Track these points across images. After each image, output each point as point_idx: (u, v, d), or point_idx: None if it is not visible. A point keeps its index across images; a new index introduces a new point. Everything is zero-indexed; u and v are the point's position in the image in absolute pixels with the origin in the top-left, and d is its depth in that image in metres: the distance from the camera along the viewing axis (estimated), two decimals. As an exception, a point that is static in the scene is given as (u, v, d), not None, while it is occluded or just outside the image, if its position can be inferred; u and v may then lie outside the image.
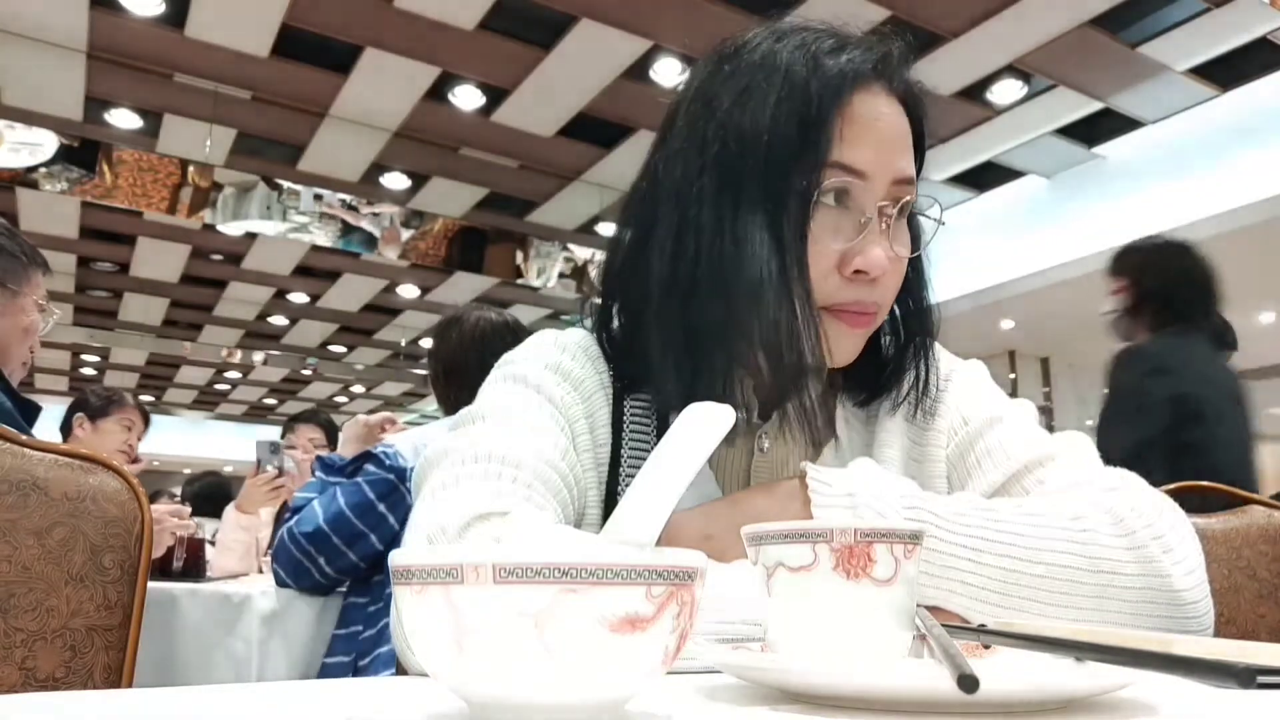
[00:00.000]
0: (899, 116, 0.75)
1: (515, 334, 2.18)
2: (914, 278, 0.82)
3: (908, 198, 0.75)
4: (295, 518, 1.86)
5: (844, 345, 0.75)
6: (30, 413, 1.64)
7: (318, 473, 1.96)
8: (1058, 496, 0.72)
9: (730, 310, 0.71)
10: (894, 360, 0.83)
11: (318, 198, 6.10)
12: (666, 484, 0.50)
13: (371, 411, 2.72)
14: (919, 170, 0.79)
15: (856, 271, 0.72)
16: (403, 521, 1.82)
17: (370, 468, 1.85)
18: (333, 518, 1.80)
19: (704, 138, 0.73)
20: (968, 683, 0.34)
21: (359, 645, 1.80)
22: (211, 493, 4.71)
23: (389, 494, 1.82)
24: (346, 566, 1.82)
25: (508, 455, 0.69)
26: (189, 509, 2.42)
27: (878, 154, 0.72)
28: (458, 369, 2.08)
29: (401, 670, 0.75)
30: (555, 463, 0.71)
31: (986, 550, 0.65)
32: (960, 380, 0.85)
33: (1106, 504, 0.68)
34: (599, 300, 0.84)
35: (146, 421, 2.87)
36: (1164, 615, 0.64)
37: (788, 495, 0.71)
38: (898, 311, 0.83)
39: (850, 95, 0.72)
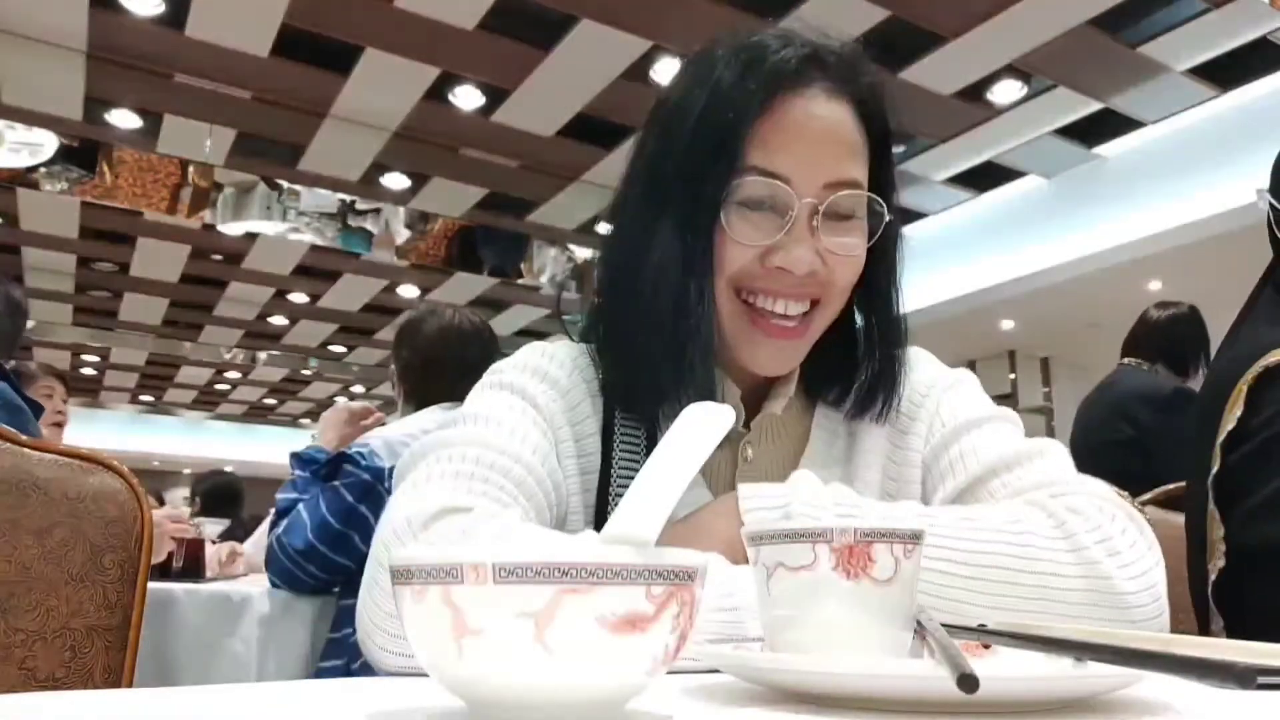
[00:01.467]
0: (839, 118, 0.75)
1: (491, 336, 2.18)
2: (884, 286, 0.83)
3: (839, 197, 0.75)
4: (283, 525, 1.86)
5: (765, 355, 0.78)
6: (37, 413, 1.66)
7: (295, 470, 1.95)
8: (1006, 502, 0.73)
9: (651, 311, 0.75)
10: (865, 367, 0.84)
11: (317, 195, 6.09)
12: (666, 484, 0.50)
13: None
14: (884, 168, 0.80)
15: (779, 268, 0.74)
16: None
17: (348, 468, 1.84)
18: (318, 527, 1.80)
19: (645, 149, 0.79)
20: (968, 683, 0.34)
21: (351, 649, 1.79)
22: (221, 492, 4.69)
23: (367, 495, 1.82)
24: (336, 568, 1.83)
25: (483, 456, 0.70)
26: (187, 511, 2.42)
27: (805, 157, 0.73)
28: (435, 361, 2.06)
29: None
30: (533, 466, 0.72)
31: (924, 556, 0.65)
32: (944, 387, 0.86)
33: (1050, 507, 0.68)
34: (591, 311, 0.87)
35: (65, 382, 2.97)
36: (1109, 618, 0.64)
37: (729, 511, 0.71)
38: (872, 319, 0.84)
39: (776, 98, 0.73)
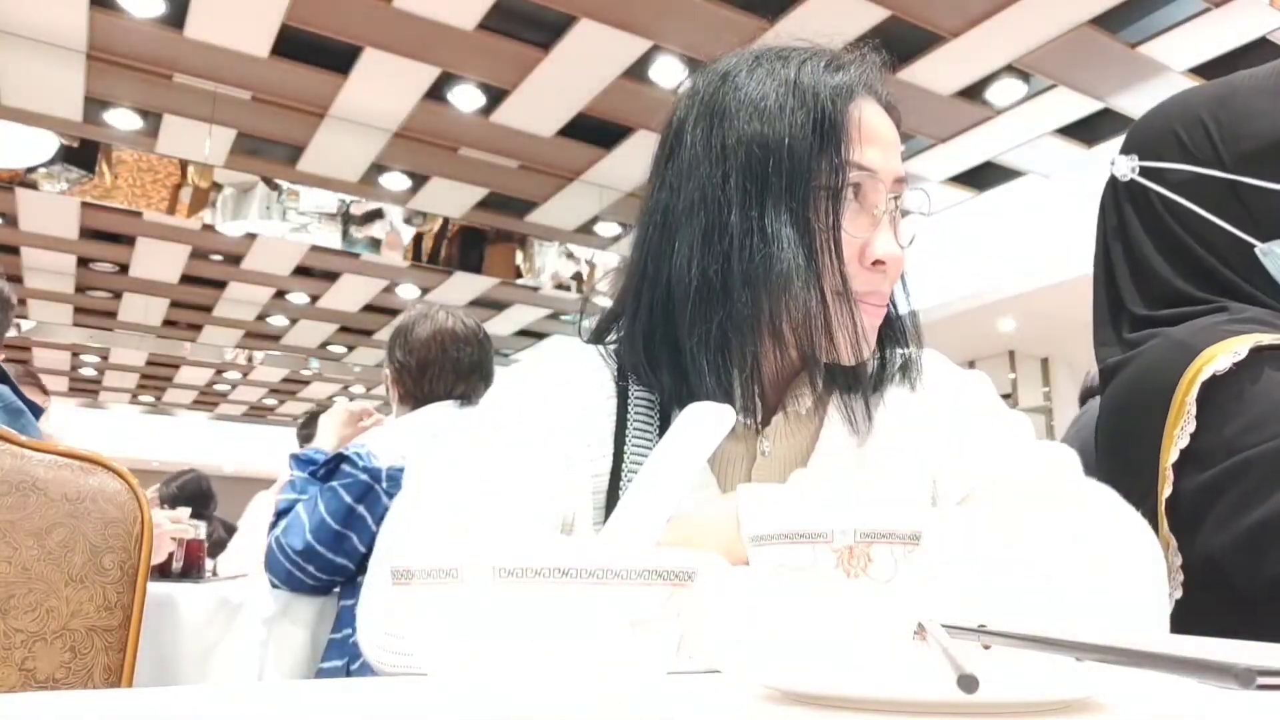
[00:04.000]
0: (893, 124, 0.81)
1: (485, 338, 2.17)
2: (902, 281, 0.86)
3: (905, 192, 0.80)
4: (282, 525, 1.86)
5: (867, 341, 0.79)
6: (35, 413, 1.67)
7: (294, 470, 1.95)
8: (1014, 509, 0.74)
9: (764, 304, 0.75)
10: (881, 364, 0.86)
11: (317, 195, 6.09)
12: (666, 484, 0.50)
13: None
14: None
15: (875, 262, 0.77)
16: (380, 521, 1.81)
17: (345, 469, 1.84)
18: (316, 527, 1.80)
19: (722, 147, 0.78)
20: (968, 683, 0.34)
21: (351, 650, 1.79)
22: (190, 491, 4.58)
23: (365, 495, 1.82)
24: (335, 568, 1.83)
25: (489, 464, 0.72)
26: (189, 510, 2.42)
27: (883, 154, 0.78)
28: (430, 363, 2.06)
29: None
30: (533, 479, 0.73)
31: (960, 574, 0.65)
32: (957, 387, 0.87)
33: (1057, 518, 0.69)
34: (607, 310, 0.87)
35: (46, 392, 3.07)
36: (1111, 617, 0.64)
37: (728, 513, 0.70)
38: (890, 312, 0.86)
39: (855, 103, 0.78)
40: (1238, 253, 1.02)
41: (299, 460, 1.96)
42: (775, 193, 0.76)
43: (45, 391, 3.07)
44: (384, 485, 1.83)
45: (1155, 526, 0.93)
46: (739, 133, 0.77)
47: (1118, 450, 1.01)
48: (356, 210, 6.19)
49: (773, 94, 0.77)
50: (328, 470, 1.87)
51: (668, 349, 0.79)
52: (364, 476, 1.82)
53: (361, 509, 1.82)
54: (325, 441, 2.08)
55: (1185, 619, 0.91)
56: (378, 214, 6.28)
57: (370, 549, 1.82)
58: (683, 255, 0.78)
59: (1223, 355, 0.89)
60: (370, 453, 1.87)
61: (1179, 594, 0.93)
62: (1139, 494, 0.94)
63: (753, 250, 0.75)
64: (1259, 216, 1.01)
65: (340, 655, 1.81)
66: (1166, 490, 0.92)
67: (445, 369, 2.06)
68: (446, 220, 6.59)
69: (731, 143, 0.77)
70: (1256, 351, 0.89)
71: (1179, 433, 0.91)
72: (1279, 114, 1.03)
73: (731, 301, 0.76)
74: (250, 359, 10.89)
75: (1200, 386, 0.90)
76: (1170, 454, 0.91)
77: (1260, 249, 1.01)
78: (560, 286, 6.96)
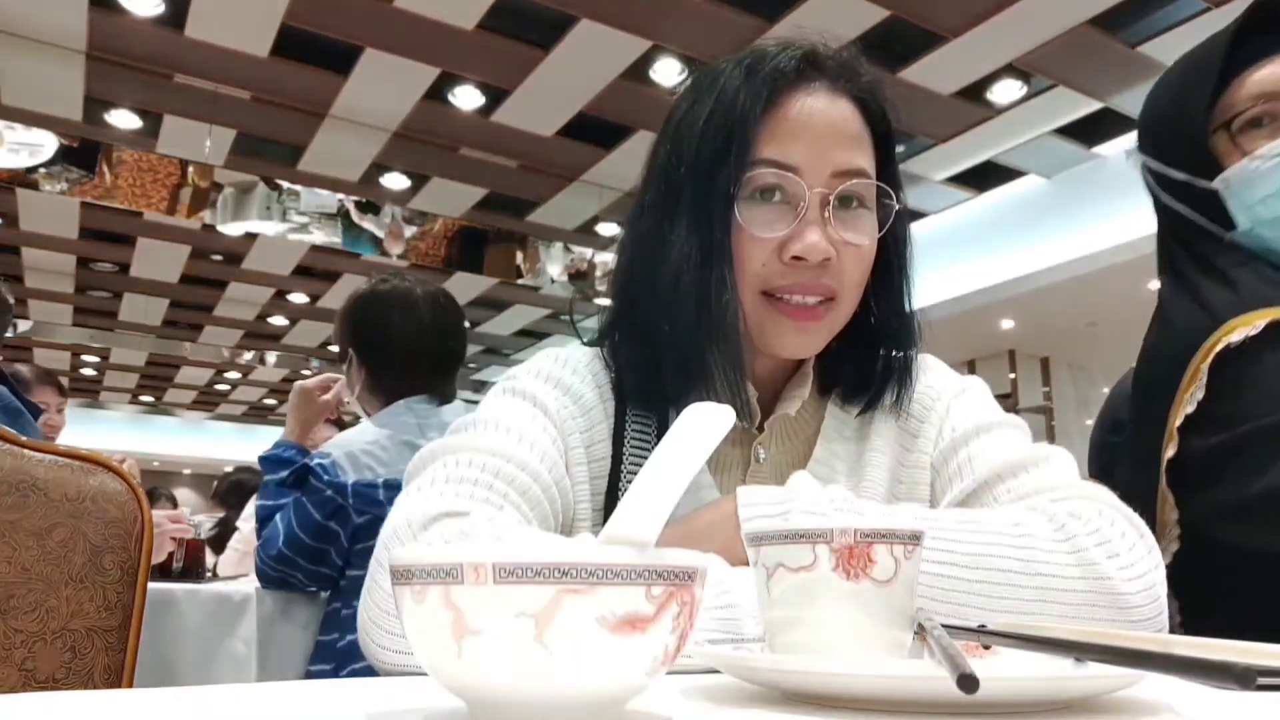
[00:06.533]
0: (841, 112, 0.78)
1: (462, 322, 2.07)
2: (895, 285, 0.86)
3: (850, 184, 0.77)
4: (263, 533, 1.85)
5: (792, 338, 0.79)
6: (36, 414, 1.66)
7: (266, 474, 1.91)
8: (1008, 506, 0.74)
9: (692, 300, 0.76)
10: (877, 366, 0.86)
11: (317, 195, 6.09)
12: (666, 484, 0.50)
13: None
14: (889, 164, 0.83)
15: (795, 258, 0.76)
16: (351, 536, 1.79)
17: (312, 483, 1.80)
18: (290, 540, 1.79)
19: (654, 157, 0.82)
20: (968, 683, 0.34)
21: (339, 655, 1.76)
22: (243, 487, 4.63)
23: (335, 513, 1.78)
24: (319, 575, 1.82)
25: (489, 463, 0.72)
26: (189, 510, 2.42)
27: (812, 147, 0.76)
28: (410, 363, 1.94)
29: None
30: (539, 474, 0.73)
31: (926, 558, 0.65)
32: (954, 393, 0.87)
33: (1051, 511, 0.69)
34: (605, 312, 0.89)
35: (62, 391, 3.07)
36: (1109, 619, 0.64)
37: (727, 514, 0.70)
38: (884, 317, 0.86)
39: (779, 96, 0.77)
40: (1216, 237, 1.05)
41: (267, 462, 1.92)
42: (683, 198, 0.78)
43: (62, 392, 3.07)
44: (351, 502, 1.79)
45: (1155, 483, 0.97)
46: (667, 141, 0.81)
47: (1148, 402, 1.04)
48: (357, 210, 6.19)
49: (702, 98, 0.79)
50: (295, 479, 1.83)
51: (635, 346, 0.83)
52: (330, 493, 1.78)
53: (334, 525, 1.78)
54: (291, 430, 2.01)
55: (1180, 575, 0.93)
56: (378, 213, 6.28)
57: (346, 561, 1.81)
58: (630, 258, 0.82)
59: (1241, 328, 0.91)
60: (335, 463, 1.82)
61: (1175, 547, 0.96)
62: (1142, 450, 0.99)
63: (660, 258, 0.78)
64: (1201, 206, 1.04)
65: (328, 660, 1.79)
66: (1171, 450, 0.95)
67: (423, 368, 1.96)
68: (464, 227, 6.61)
69: (662, 153, 0.81)
70: (1274, 326, 0.90)
71: (1189, 398, 0.93)
72: (1176, 108, 1.07)
73: (646, 307, 0.79)
74: (263, 359, 10.87)
75: (1214, 356, 0.92)
76: (1178, 416, 0.94)
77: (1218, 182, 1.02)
78: (560, 284, 6.95)
